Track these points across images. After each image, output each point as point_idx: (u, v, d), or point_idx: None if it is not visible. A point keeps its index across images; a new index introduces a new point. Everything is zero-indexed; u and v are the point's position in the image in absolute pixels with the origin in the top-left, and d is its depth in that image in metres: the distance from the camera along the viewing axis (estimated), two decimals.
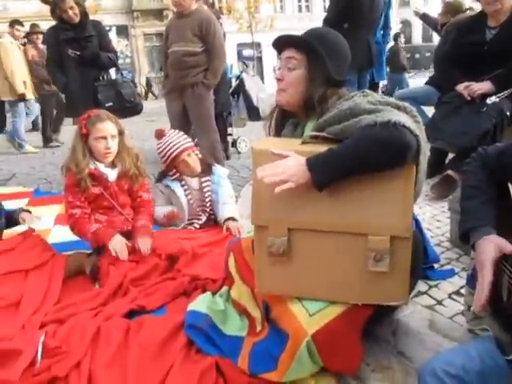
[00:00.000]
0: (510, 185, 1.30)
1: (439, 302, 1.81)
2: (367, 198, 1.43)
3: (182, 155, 2.55)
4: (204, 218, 2.63)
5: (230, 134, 5.30)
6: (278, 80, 1.70)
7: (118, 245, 2.21)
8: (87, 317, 1.85)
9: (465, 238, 1.31)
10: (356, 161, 1.39)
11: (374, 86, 4.38)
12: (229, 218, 2.57)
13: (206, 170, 2.66)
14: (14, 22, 6.33)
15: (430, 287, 1.91)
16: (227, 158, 4.98)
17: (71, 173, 2.27)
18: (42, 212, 3.32)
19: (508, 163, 1.28)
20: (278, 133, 1.82)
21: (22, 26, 6.39)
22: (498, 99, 2.79)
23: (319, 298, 1.56)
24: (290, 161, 1.44)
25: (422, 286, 1.90)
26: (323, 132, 1.53)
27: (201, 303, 1.88)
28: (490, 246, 1.18)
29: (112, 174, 2.35)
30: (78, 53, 3.63)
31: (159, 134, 2.65)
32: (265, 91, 5.44)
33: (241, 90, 5.16)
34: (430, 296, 1.85)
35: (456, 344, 1.51)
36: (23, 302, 1.94)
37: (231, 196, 2.72)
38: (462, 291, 1.76)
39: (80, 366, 1.59)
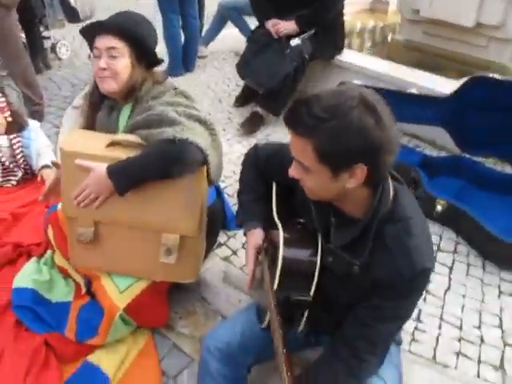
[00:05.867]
0: (274, 184, 1.59)
1: (234, 252, 2.23)
2: (162, 200, 1.68)
3: None
4: (20, 174, 2.61)
5: (48, 38, 4.82)
6: (103, 69, 1.69)
7: None
8: None
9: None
10: (150, 171, 1.61)
11: None
12: (44, 166, 2.58)
13: (16, 126, 2.57)
14: None
15: (229, 238, 2.31)
16: (47, 67, 4.64)
17: None
18: None
19: (273, 166, 1.53)
20: (94, 114, 1.89)
21: None
22: (300, 41, 3.06)
23: (123, 274, 1.84)
24: (94, 178, 1.61)
25: (222, 236, 2.28)
26: (134, 131, 1.68)
27: (25, 277, 2.03)
28: (252, 240, 1.51)
29: None
30: None
31: None
32: None
33: None
34: (228, 247, 2.26)
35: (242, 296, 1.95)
36: None
37: (47, 145, 2.70)
38: None
39: None
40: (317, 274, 1.31)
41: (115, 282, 1.84)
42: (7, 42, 3.26)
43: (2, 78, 3.72)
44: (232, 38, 4.65)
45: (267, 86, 3.03)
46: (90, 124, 1.88)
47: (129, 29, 1.69)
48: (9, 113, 2.55)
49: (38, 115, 3.49)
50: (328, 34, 3.19)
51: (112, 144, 1.68)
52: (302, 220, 1.44)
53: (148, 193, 1.66)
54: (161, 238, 1.71)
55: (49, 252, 2.17)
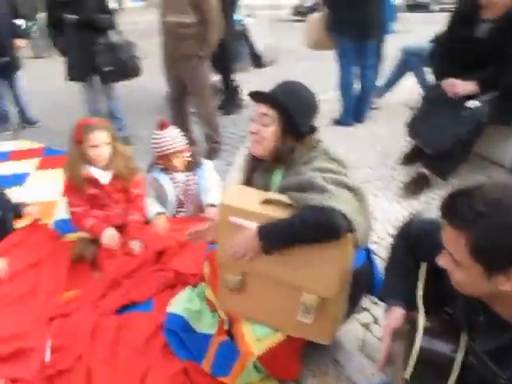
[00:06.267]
0: (423, 264, 1.51)
1: (375, 321, 2.14)
2: (306, 261, 1.72)
3: (172, 156, 2.79)
4: (191, 208, 2.91)
5: (233, 80, 5.33)
6: (253, 133, 1.87)
7: (109, 239, 2.59)
8: (87, 312, 2.24)
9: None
10: (297, 236, 1.68)
11: None
12: (210, 205, 2.83)
13: (193, 165, 2.90)
14: None
15: (373, 303, 2.22)
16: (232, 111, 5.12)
17: (67, 177, 2.58)
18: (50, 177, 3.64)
19: (424, 247, 1.46)
20: (251, 172, 2.05)
21: None
22: (478, 103, 2.84)
23: (263, 324, 1.91)
24: (245, 238, 1.74)
25: (365, 301, 2.21)
26: (285, 192, 1.78)
27: (179, 304, 2.25)
28: (391, 319, 1.46)
29: (105, 177, 2.65)
30: (74, 17, 3.67)
31: (161, 126, 2.83)
32: (271, 36, 5.40)
33: (244, 36, 5.12)
34: (370, 313, 2.18)
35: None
36: (35, 293, 2.35)
37: (217, 185, 2.96)
38: None
39: (81, 360, 2.01)
40: (455, 373, 1.21)
41: (254, 329, 1.92)
42: (198, 87, 3.73)
43: (191, 114, 4.16)
44: (407, 91, 4.56)
45: (436, 149, 2.89)
46: (248, 180, 2.02)
47: (279, 100, 1.80)
48: (190, 153, 2.88)
49: (213, 152, 3.86)
50: (510, 96, 2.92)
51: (266, 202, 1.79)
52: (447, 309, 1.35)
53: (293, 252, 1.72)
54: (301, 296, 1.75)
55: (201, 284, 2.36)
